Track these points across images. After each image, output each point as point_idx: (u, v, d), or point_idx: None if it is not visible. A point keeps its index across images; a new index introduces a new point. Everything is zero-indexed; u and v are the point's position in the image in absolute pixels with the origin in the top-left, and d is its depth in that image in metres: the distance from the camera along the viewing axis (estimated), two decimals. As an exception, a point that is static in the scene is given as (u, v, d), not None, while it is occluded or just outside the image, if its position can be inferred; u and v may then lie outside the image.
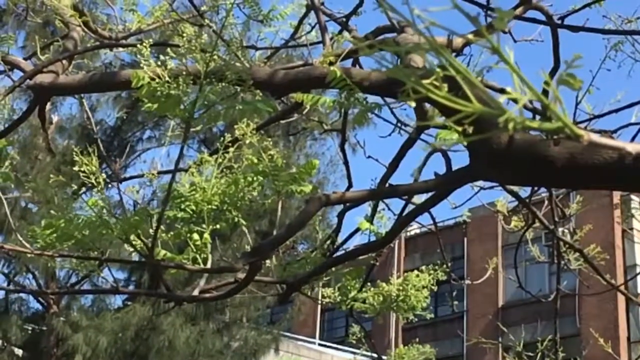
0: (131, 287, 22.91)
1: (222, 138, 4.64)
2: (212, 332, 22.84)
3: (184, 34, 3.61)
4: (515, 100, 1.26)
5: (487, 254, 33.37)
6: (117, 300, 24.50)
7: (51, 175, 4.56)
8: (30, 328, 23.76)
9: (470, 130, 1.29)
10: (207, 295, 4.43)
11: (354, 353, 31.77)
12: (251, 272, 3.95)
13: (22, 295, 23.83)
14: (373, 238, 5.36)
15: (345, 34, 6.12)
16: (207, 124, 3.67)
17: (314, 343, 33.93)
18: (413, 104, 1.31)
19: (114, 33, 6.48)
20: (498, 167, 3.59)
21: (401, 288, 5.34)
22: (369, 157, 5.97)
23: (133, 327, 21.83)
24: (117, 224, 3.90)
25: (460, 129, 1.32)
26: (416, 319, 5.78)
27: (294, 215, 22.57)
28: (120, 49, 7.32)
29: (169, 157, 26.29)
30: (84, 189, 22.40)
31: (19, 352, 23.59)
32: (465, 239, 34.53)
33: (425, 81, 1.40)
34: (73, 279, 23.93)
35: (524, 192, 6.86)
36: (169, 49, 3.61)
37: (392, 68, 1.30)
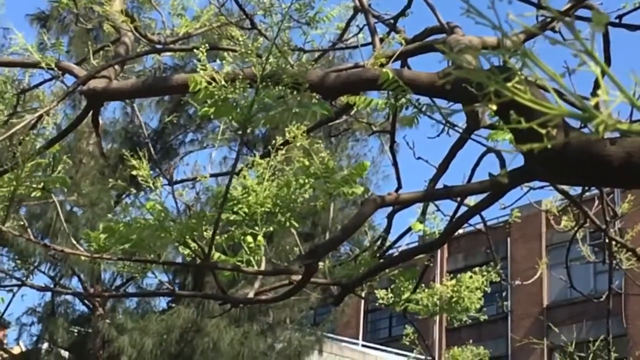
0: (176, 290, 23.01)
1: (266, 141, 4.67)
2: (256, 333, 22.89)
3: (240, 39, 3.62)
4: (561, 99, 1.26)
5: (530, 254, 33.22)
6: (161, 303, 24.66)
7: (110, 180, 4.59)
8: (76, 330, 23.94)
9: (553, 132, 1.29)
10: (263, 297, 4.45)
11: (398, 354, 31.74)
12: (307, 273, 3.96)
13: (68, 297, 24.02)
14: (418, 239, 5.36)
15: (394, 35, 6.12)
16: (263, 127, 3.68)
17: (357, 344, 33.88)
18: (494, 107, 1.32)
19: (163, 37, 6.54)
20: (553, 167, 3.58)
21: (455, 289, 5.32)
22: (419, 158, 5.96)
23: (178, 329, 21.93)
24: (174, 227, 3.93)
25: (544, 131, 1.32)
26: (457, 322, 5.76)
27: (337, 217, 22.58)
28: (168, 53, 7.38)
29: (211, 159, 26.34)
30: (127, 192, 22.54)
31: (65, 354, 23.79)
32: (509, 239, 34.34)
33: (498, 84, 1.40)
34: (118, 282, 24.11)
35: (574, 191, 6.82)
36: (225, 53, 3.63)
37: (474, 70, 1.31)
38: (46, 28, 23.45)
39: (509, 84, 1.35)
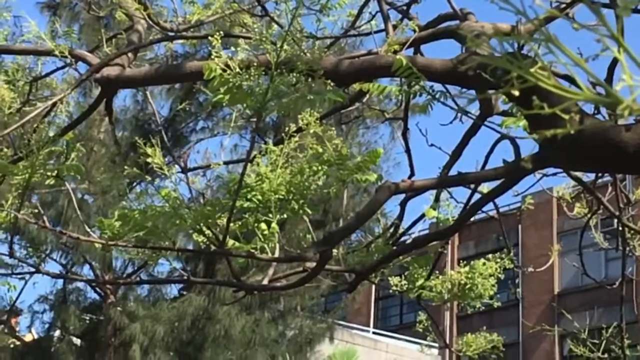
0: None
1: (277, 128, 4.67)
2: (267, 321, 22.93)
3: (253, 26, 3.62)
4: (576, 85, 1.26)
5: (542, 241, 33.20)
6: (172, 290, 24.71)
7: (124, 167, 4.59)
8: (87, 318, 24.01)
9: (576, 117, 1.29)
10: (278, 284, 4.45)
11: (409, 341, 31.79)
12: (322, 261, 3.96)
13: (80, 285, 24.08)
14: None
15: (407, 22, 6.10)
16: (277, 114, 3.68)
17: (368, 331, 33.93)
18: (517, 93, 1.31)
19: (175, 25, 6.53)
20: (568, 153, 3.57)
21: (469, 276, 5.32)
22: (432, 145, 5.95)
23: (189, 316, 21.98)
24: (189, 215, 3.94)
25: (567, 116, 1.31)
26: (472, 308, 5.76)
27: (348, 204, 22.58)
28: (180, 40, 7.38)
29: (222, 147, 26.33)
30: (139, 180, 22.50)
31: (77, 341, 23.86)
32: (520, 227, 34.32)
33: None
34: (129, 269, 24.16)
35: (586, 178, 6.80)
36: (239, 40, 3.62)
37: (497, 57, 1.30)
38: (57, 16, 23.45)
39: (532, 70, 1.35)
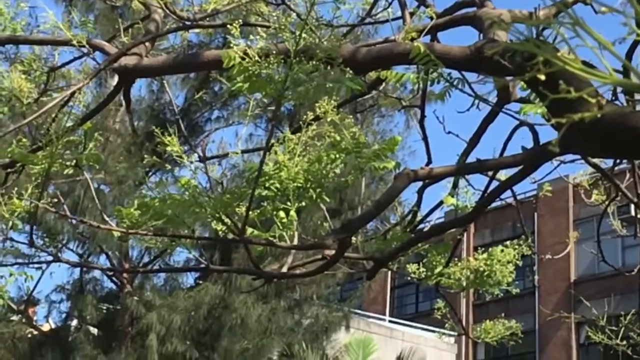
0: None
1: (292, 117, 4.67)
2: (283, 309, 22.96)
3: (271, 14, 3.62)
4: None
5: (558, 228, 33.12)
6: (189, 279, 24.77)
7: (139, 156, 4.61)
8: (104, 307, 24.09)
9: (603, 101, 1.29)
10: (298, 271, 4.46)
11: (425, 329, 31.79)
12: (341, 248, 3.97)
13: (96, 275, 24.16)
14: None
15: (423, 9, 6.09)
16: (296, 102, 3.68)
17: (384, 320, 33.94)
18: (543, 77, 1.31)
19: (191, 14, 6.53)
20: (588, 139, 3.57)
21: (487, 263, 5.32)
22: (449, 132, 5.94)
23: (205, 305, 22.02)
24: (209, 203, 3.95)
25: (594, 100, 1.32)
26: (489, 296, 5.76)
27: (363, 191, 22.57)
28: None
29: (238, 136, 26.37)
30: (155, 169, 22.52)
31: (94, 331, 23.95)
32: (536, 214, 34.25)
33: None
34: (146, 259, 24.22)
35: (604, 164, 6.78)
36: (258, 29, 3.63)
37: (524, 42, 1.31)
38: (71, 6, 23.49)
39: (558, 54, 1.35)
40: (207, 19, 6.63)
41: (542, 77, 1.39)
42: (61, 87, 7.41)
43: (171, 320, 21.62)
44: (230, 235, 4.32)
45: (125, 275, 23.02)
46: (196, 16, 6.45)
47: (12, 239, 4.93)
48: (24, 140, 5.27)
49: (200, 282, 23.12)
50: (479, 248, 6.39)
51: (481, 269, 5.33)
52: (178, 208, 4.00)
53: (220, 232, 4.33)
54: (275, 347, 22.55)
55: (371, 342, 24.79)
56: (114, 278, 23.81)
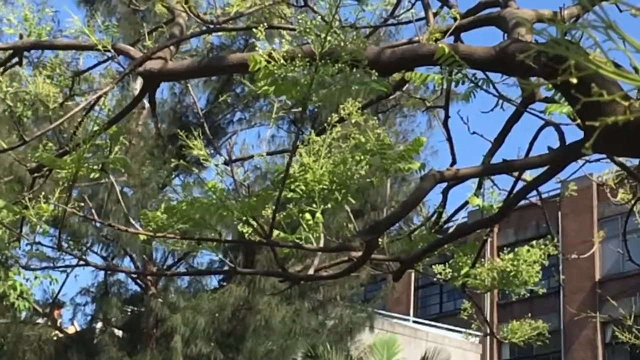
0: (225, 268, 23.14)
1: (314, 119, 4.67)
2: (307, 311, 22.98)
3: (296, 17, 3.63)
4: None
5: (582, 227, 33.00)
6: (212, 281, 24.83)
7: (172, 160, 4.63)
8: (129, 310, 24.18)
9: (636, 104, 1.29)
10: (324, 273, 4.47)
11: (450, 330, 31.75)
12: (368, 250, 3.98)
13: (121, 277, 24.25)
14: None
15: (447, 9, 6.09)
16: (322, 104, 3.69)
17: (408, 320, 33.92)
18: (574, 80, 1.31)
19: (214, 17, 6.56)
20: (613, 140, 3.56)
21: (513, 263, 5.31)
22: (474, 133, 5.94)
23: (230, 307, 22.06)
24: (236, 206, 3.96)
25: (626, 103, 1.32)
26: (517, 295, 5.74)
27: (385, 193, 22.56)
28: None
29: (261, 138, 26.40)
30: (177, 172, 22.55)
31: (119, 333, 24.04)
32: (560, 213, 34.11)
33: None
34: (170, 261, 24.30)
35: (629, 163, 6.75)
36: (282, 31, 3.64)
37: (555, 44, 1.31)
38: (93, 10, 23.61)
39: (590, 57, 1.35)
40: (230, 21, 6.66)
41: (574, 81, 1.39)
42: (84, 91, 7.47)
43: (196, 322, 21.68)
44: (257, 238, 4.34)
45: (149, 277, 23.09)
46: (219, 19, 6.48)
47: (40, 243, 4.96)
48: (50, 144, 5.31)
49: (224, 283, 23.17)
50: (503, 248, 6.38)
51: (507, 269, 5.32)
52: (205, 211, 4.02)
53: (246, 235, 4.34)
54: (299, 348, 22.58)
55: (395, 342, 24.79)
56: (138, 280, 23.90)
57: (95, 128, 4.77)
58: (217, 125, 25.52)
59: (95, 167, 4.68)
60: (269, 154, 5.95)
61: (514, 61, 3.86)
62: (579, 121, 4.31)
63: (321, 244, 4.50)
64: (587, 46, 1.50)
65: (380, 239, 4.61)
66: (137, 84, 19.25)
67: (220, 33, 7.91)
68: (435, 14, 5.68)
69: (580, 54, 1.34)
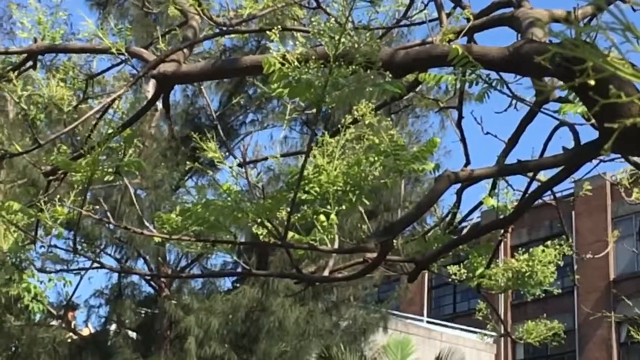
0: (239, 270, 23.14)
1: (327, 120, 4.67)
2: (321, 311, 22.97)
3: (309, 19, 3.64)
4: None
5: (596, 227, 32.87)
6: (226, 283, 24.85)
7: (187, 162, 4.64)
8: (143, 312, 24.22)
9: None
10: (339, 275, 4.47)
11: (463, 330, 31.69)
12: (383, 251, 3.98)
13: (134, 279, 24.30)
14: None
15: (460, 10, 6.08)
16: (336, 106, 3.69)
17: (422, 321, 33.88)
18: (592, 82, 1.31)
19: (227, 19, 6.56)
20: (628, 140, 3.55)
21: (529, 264, 5.30)
22: (487, 133, 5.93)
23: (243, 308, 22.07)
24: (251, 208, 3.97)
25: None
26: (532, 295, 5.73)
27: (398, 194, 22.55)
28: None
29: (274, 140, 26.43)
30: (190, 174, 22.53)
31: (133, 335, 24.09)
32: (573, 213, 33.99)
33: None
34: (183, 263, 24.32)
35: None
36: (295, 33, 3.64)
37: (574, 46, 1.31)
38: (106, 12, 23.67)
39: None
40: (243, 24, 6.66)
41: (592, 83, 1.39)
42: (98, 94, 7.48)
43: (209, 323, 21.69)
44: (272, 240, 4.34)
45: (163, 279, 23.12)
46: (232, 21, 6.48)
47: (55, 246, 4.98)
48: (64, 147, 5.33)
49: (238, 285, 23.18)
50: (517, 248, 6.36)
51: (523, 270, 5.31)
52: (220, 213, 4.02)
53: (261, 236, 4.35)
54: (313, 349, 22.57)
55: (409, 343, 24.76)
56: (152, 282, 23.94)
57: (110, 131, 4.78)
58: (229, 127, 25.55)
59: (110, 169, 4.69)
60: (283, 155, 5.96)
61: (528, 62, 3.85)
62: (593, 121, 4.30)
63: (336, 245, 4.50)
64: (602, 47, 1.50)
65: (394, 240, 4.61)
66: (150, 87, 19.30)
67: (232, 35, 7.93)
68: (448, 15, 5.67)
69: (599, 56, 1.34)
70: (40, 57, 6.34)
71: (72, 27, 12.76)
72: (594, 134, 4.05)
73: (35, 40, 5.82)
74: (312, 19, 3.67)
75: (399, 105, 19.66)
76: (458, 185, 5.95)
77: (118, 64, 6.53)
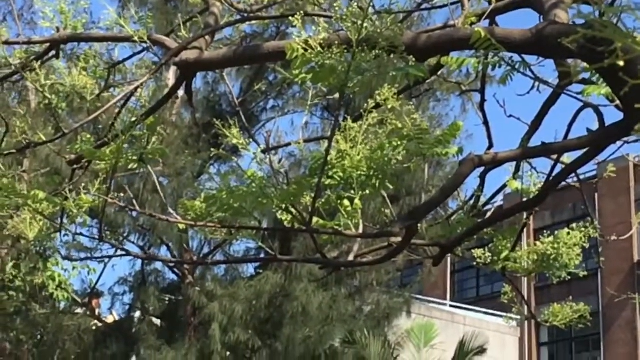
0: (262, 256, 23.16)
1: (347, 105, 4.66)
2: (344, 296, 23.00)
3: (335, 5, 3.63)
4: None
5: (619, 208, 32.76)
6: (249, 269, 24.92)
7: (211, 149, 4.65)
8: (167, 299, 24.34)
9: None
10: (365, 260, 4.48)
11: (487, 313, 31.66)
12: (408, 235, 3.98)
13: (158, 266, 24.42)
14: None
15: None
16: (359, 91, 3.69)
17: (445, 305, 33.87)
18: (621, 63, 1.30)
19: (247, 6, 6.56)
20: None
21: (554, 246, 5.29)
22: (510, 116, 5.92)
23: (266, 294, 22.13)
24: (276, 194, 3.98)
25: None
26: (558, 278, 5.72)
27: (420, 178, 22.52)
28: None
29: (292, 125, 26.45)
30: (212, 161, 22.58)
31: (157, 322, 24.21)
32: (596, 195, 33.85)
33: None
34: (206, 249, 24.40)
35: (668, 144, 6.69)
36: (317, 19, 3.64)
37: (603, 27, 1.30)
38: (125, 0, 23.70)
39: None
40: (264, 10, 6.66)
41: (622, 64, 1.38)
42: (119, 82, 7.50)
43: (233, 309, 21.76)
44: (296, 225, 4.35)
45: (186, 266, 23.20)
46: (253, 8, 6.48)
47: (81, 234, 5.00)
48: (87, 136, 5.35)
49: (261, 271, 23.23)
50: (540, 231, 6.35)
51: (548, 252, 5.30)
52: (244, 199, 4.03)
53: (285, 222, 4.36)
54: (337, 334, 22.61)
55: (433, 327, 24.77)
56: (175, 269, 24.03)
57: (133, 119, 4.80)
58: (250, 114, 25.57)
59: (134, 157, 4.71)
60: (305, 141, 5.96)
61: (551, 43, 3.83)
62: (617, 102, 4.28)
63: (360, 230, 4.50)
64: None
65: (419, 224, 4.61)
66: (170, 74, 19.32)
67: (253, 22, 7.92)
68: (470, -2, 5.64)
69: (627, 37, 1.33)
70: (62, 46, 6.35)
71: (93, 15, 12.80)
72: (618, 116, 4.04)
73: (57, 30, 5.84)
74: (334, 4, 3.66)
75: (420, 90, 19.59)
76: (481, 169, 5.94)
77: (139, 52, 6.54)
